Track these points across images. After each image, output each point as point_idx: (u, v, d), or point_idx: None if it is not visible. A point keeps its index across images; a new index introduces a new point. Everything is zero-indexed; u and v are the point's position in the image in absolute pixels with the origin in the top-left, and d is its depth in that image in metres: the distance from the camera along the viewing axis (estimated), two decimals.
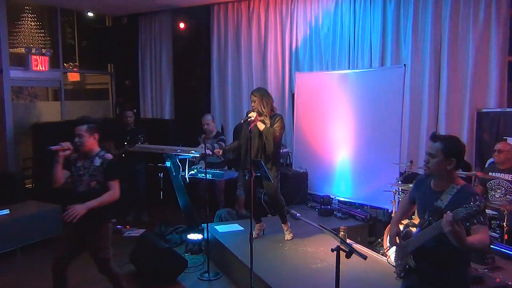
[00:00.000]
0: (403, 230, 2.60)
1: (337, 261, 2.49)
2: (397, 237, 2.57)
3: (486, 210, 2.19)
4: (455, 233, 2.06)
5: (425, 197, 2.47)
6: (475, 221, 2.05)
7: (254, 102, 4.53)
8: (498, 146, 4.62)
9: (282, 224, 4.79)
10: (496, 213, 4.30)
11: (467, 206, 2.05)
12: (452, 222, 2.05)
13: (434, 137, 2.42)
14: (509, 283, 3.40)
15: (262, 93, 4.59)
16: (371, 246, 4.99)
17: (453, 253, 2.27)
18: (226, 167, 6.26)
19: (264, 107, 4.51)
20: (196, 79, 7.89)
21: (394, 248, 2.73)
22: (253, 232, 4.64)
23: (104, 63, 8.86)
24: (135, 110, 8.48)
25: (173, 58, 8.13)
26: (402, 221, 2.86)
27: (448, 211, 2.10)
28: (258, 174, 4.49)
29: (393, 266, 2.62)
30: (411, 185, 4.02)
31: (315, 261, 4.17)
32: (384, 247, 4.38)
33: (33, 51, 7.12)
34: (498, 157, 4.58)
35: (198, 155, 5.41)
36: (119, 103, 8.87)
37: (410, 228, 2.58)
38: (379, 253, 4.40)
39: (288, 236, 4.74)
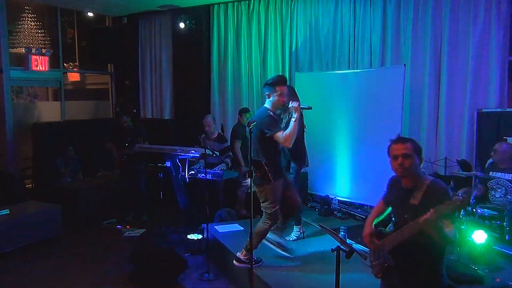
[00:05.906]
0: (375, 230, 2.65)
1: (337, 261, 2.50)
2: (373, 237, 2.61)
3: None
4: (437, 229, 2.19)
5: (399, 196, 2.54)
6: (460, 214, 2.13)
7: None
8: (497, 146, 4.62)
9: (295, 226, 4.74)
10: (496, 213, 4.30)
11: (448, 202, 2.15)
12: (434, 220, 2.16)
13: (403, 139, 2.51)
14: (509, 283, 3.40)
15: (291, 88, 4.47)
16: None
17: (429, 248, 2.35)
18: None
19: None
20: (196, 79, 7.88)
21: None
22: (293, 235, 4.70)
23: (104, 63, 8.84)
24: (135, 110, 8.50)
25: (173, 58, 8.12)
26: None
27: (431, 209, 2.18)
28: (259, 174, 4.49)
29: (369, 267, 2.64)
30: None
31: (315, 261, 4.16)
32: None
33: (33, 51, 7.12)
34: (494, 156, 4.60)
35: (198, 155, 5.41)
36: (119, 103, 8.87)
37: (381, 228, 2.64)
38: None
39: (292, 236, 4.70)
